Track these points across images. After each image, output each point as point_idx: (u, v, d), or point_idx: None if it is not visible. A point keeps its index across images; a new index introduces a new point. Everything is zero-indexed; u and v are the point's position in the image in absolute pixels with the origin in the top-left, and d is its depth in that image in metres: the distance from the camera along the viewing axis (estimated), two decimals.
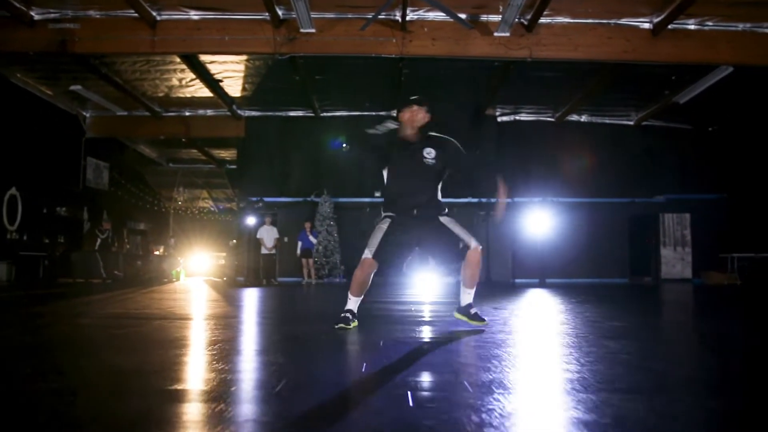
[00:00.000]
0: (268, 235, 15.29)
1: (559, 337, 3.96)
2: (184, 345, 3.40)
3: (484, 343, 3.54)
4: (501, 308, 6.33)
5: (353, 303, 4.35)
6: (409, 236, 4.32)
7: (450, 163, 4.36)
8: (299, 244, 15.69)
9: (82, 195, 17.20)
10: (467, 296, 4.39)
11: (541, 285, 14.12)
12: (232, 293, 9.97)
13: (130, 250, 17.74)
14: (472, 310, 4.37)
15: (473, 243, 4.26)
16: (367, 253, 4.26)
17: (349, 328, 4.16)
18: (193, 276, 20.21)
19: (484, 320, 4.35)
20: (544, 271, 14.94)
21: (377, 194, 17.30)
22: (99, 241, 15.40)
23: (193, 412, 1.89)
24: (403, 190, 4.33)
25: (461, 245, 4.26)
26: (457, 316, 4.46)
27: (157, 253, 19.34)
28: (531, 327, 4.72)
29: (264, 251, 15.22)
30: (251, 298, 8.50)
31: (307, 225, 15.81)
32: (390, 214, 4.34)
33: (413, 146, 4.32)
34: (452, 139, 4.47)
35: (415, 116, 4.35)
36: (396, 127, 4.44)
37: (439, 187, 4.44)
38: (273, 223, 15.54)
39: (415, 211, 4.27)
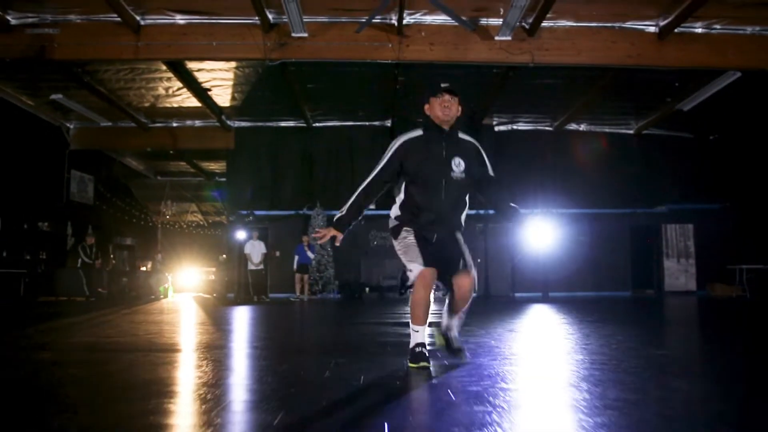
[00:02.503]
0: (255, 250, 14.72)
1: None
2: (154, 394, 2.80)
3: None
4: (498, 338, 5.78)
5: (421, 335, 3.42)
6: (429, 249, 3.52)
7: (473, 173, 3.56)
8: (296, 258, 15.05)
9: (66, 209, 16.56)
10: (451, 322, 3.69)
11: (544, 300, 13.58)
12: (220, 313, 9.37)
13: (116, 266, 17.09)
14: (455, 343, 3.68)
15: (472, 269, 3.54)
16: (417, 267, 3.39)
17: (428, 366, 3.33)
18: (182, 292, 19.55)
19: (464, 355, 3.65)
20: (547, 285, 14.41)
21: (371, 207, 16.75)
22: (82, 256, 14.74)
23: None
24: (427, 207, 3.50)
25: (461, 264, 3.53)
26: (438, 340, 3.81)
27: (143, 269, 18.68)
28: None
29: (251, 267, 14.63)
30: (241, 320, 7.91)
31: (305, 239, 15.17)
32: (409, 228, 3.57)
33: (442, 152, 3.46)
34: (479, 146, 3.69)
35: (450, 109, 3.47)
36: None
37: (467, 206, 3.68)
38: (260, 238, 14.96)
39: (435, 236, 3.54)
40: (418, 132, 3.57)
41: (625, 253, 17.05)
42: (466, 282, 3.51)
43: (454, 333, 3.72)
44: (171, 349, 4.47)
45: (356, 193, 3.67)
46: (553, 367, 3.58)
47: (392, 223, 3.72)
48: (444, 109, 3.46)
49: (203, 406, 2.45)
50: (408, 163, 3.50)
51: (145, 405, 2.44)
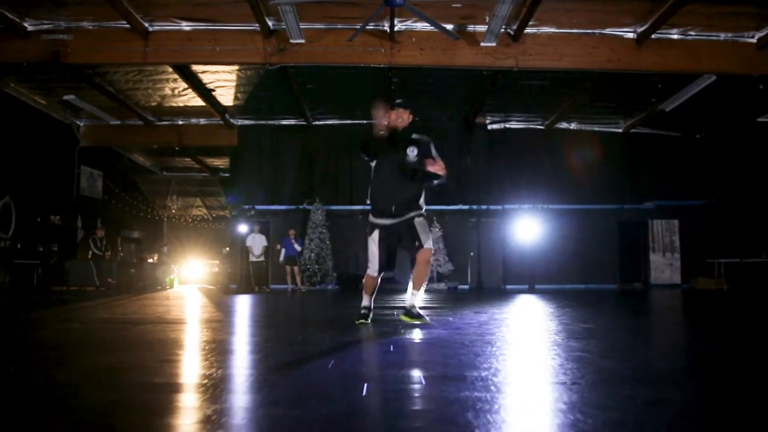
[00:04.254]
0: (256, 243, 15.43)
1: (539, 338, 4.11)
2: (162, 346, 3.54)
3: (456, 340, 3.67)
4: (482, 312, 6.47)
5: (367, 300, 4.92)
6: (393, 239, 4.63)
7: (424, 156, 4.61)
8: (282, 251, 15.80)
9: (76, 203, 17.30)
10: (413, 298, 4.71)
11: (530, 291, 14.27)
12: (221, 300, 10.09)
13: (124, 258, 17.81)
14: (415, 311, 4.71)
15: (427, 244, 4.53)
16: (372, 272, 4.74)
17: (367, 323, 4.73)
18: (187, 283, 20.29)
19: (425, 318, 4.69)
20: (534, 278, 15.09)
21: (368, 202, 17.44)
22: (92, 248, 15.48)
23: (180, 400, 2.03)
24: (384, 188, 4.64)
25: (416, 244, 4.54)
26: (402, 317, 4.78)
27: (150, 260, 19.43)
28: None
29: (252, 259, 15.36)
30: (240, 305, 8.62)
31: (291, 232, 15.93)
32: (375, 221, 4.71)
33: (397, 146, 4.64)
34: (429, 139, 4.80)
35: (401, 117, 4.74)
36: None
37: (423, 188, 4.68)
38: (261, 232, 15.68)
39: (393, 208, 4.54)
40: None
41: (612, 248, 17.69)
42: (423, 255, 4.55)
43: (414, 303, 4.71)
44: (176, 321, 5.20)
45: None
46: (523, 353, 4.22)
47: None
48: (397, 116, 4.82)
49: (210, 352, 3.17)
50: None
51: (155, 354, 3.18)
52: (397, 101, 4.86)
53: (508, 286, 16.59)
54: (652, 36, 11.42)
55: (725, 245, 16.20)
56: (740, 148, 16.15)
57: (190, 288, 16.84)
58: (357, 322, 4.78)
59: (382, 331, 4.43)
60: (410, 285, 4.71)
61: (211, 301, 9.37)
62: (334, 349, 3.51)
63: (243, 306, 8.29)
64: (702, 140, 17.69)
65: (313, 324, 5.56)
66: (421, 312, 4.78)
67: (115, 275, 15.45)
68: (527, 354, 3.50)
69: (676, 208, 17.66)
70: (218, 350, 3.41)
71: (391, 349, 3.55)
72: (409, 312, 4.71)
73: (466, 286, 16.97)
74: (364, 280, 4.88)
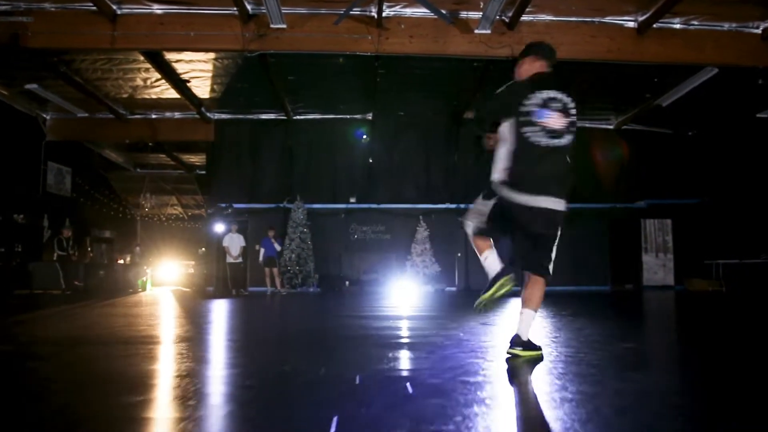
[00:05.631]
0: (234, 244, 14.65)
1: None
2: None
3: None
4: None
5: (491, 259, 3.53)
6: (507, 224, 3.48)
7: None
8: (261, 251, 15.03)
9: (42, 201, 16.33)
10: (529, 323, 3.44)
11: (519, 294, 13.63)
12: (193, 306, 9.29)
13: (94, 259, 16.87)
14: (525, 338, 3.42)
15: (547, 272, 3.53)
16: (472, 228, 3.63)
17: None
18: (161, 285, 19.39)
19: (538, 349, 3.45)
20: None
21: (352, 200, 16.74)
22: (56, 250, 14.55)
23: None
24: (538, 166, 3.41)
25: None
26: (518, 352, 3.39)
27: (121, 262, 18.48)
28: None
29: (229, 260, 14.57)
30: (219, 313, 7.85)
31: (271, 232, 15.16)
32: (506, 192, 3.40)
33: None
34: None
35: (531, 68, 3.61)
36: None
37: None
38: (240, 231, 14.89)
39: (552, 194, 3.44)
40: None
41: (604, 248, 17.15)
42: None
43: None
44: (134, 340, 4.41)
45: None
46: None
47: None
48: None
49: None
50: None
51: (83, 401, 2.40)
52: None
53: None
54: (654, 25, 10.87)
55: (720, 246, 15.71)
56: (737, 144, 15.67)
57: (164, 291, 15.95)
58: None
59: (387, 356, 3.69)
60: (525, 306, 3.47)
61: (183, 308, 8.55)
62: (330, 384, 2.77)
63: (219, 314, 7.50)
64: (695, 137, 17.20)
65: (298, 341, 4.79)
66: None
67: (83, 278, 14.53)
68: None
69: (669, 207, 17.17)
70: (180, 396, 2.62)
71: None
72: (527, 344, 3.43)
73: (454, 288, 16.32)
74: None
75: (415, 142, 16.99)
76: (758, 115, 14.82)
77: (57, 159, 17.10)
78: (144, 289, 16.51)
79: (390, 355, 3.64)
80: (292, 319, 7.36)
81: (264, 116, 16.91)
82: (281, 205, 16.62)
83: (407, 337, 4.61)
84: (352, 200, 16.69)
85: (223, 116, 16.79)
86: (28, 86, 13.61)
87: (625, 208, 17.26)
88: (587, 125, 17.42)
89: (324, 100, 15.73)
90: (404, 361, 3.44)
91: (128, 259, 19.02)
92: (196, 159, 20.88)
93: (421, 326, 5.59)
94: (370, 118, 16.93)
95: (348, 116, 16.90)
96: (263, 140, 17.09)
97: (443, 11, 10.06)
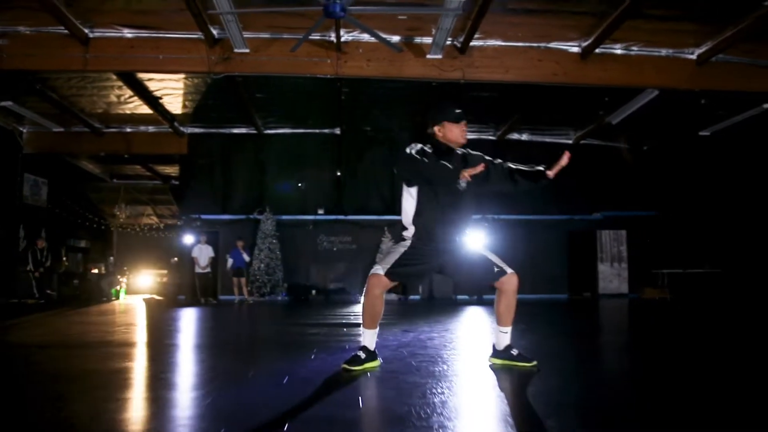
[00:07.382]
0: (202, 254, 15.20)
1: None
2: (56, 380, 3.35)
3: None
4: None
5: (369, 337, 3.74)
6: (430, 264, 3.89)
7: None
8: (230, 261, 15.59)
9: (18, 212, 16.73)
10: (504, 336, 3.86)
11: (479, 303, 14.32)
12: (161, 314, 9.83)
13: (68, 269, 17.31)
14: (514, 351, 3.85)
15: (509, 269, 3.88)
16: (378, 270, 3.70)
17: (357, 369, 3.58)
18: (135, 294, 19.81)
19: (531, 361, 3.78)
20: (482, 289, 15.09)
21: (320, 212, 17.34)
22: (30, 261, 14.99)
23: None
24: (445, 218, 3.88)
25: (495, 270, 3.88)
26: (495, 362, 3.88)
27: (95, 271, 18.91)
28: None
29: (198, 270, 15.12)
30: (187, 321, 8.40)
31: (239, 243, 15.73)
32: (414, 241, 3.85)
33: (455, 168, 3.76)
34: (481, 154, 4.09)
35: (464, 133, 3.98)
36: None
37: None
38: (211, 242, 15.43)
39: (456, 240, 3.92)
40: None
41: (562, 258, 17.90)
42: (512, 283, 4.01)
43: (515, 350, 3.98)
44: (100, 344, 5.00)
45: None
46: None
47: None
48: (461, 131, 4.00)
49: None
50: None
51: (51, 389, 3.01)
52: (458, 111, 4.03)
53: (459, 297, 16.61)
54: (596, 50, 11.55)
55: (670, 256, 16.53)
56: (684, 160, 16.54)
57: (136, 299, 16.43)
58: (343, 365, 3.67)
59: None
60: (497, 322, 3.94)
61: (152, 316, 9.11)
62: (294, 392, 3.19)
63: (187, 322, 8.07)
64: (648, 152, 18.04)
65: (262, 348, 5.38)
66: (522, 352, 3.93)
67: (56, 287, 14.98)
68: None
69: (624, 218, 17.96)
70: (147, 396, 3.19)
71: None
72: (508, 354, 3.86)
73: (417, 297, 16.95)
74: (363, 300, 3.85)
75: (380, 157, 17.62)
76: (700, 133, 15.68)
77: (33, 170, 17.51)
78: (117, 298, 16.96)
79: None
80: (243, 326, 7.94)
81: (236, 130, 17.47)
82: (251, 216, 17.17)
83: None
84: (320, 212, 17.30)
85: (196, 130, 17.31)
86: (2, 103, 14.07)
87: (582, 220, 18.04)
88: (548, 140, 18.23)
89: (293, 115, 16.33)
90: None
91: (102, 268, 19.45)
92: (172, 170, 21.30)
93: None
94: (338, 132, 17.57)
95: (317, 131, 17.52)
96: (235, 154, 17.66)
97: (395, 38, 10.74)
